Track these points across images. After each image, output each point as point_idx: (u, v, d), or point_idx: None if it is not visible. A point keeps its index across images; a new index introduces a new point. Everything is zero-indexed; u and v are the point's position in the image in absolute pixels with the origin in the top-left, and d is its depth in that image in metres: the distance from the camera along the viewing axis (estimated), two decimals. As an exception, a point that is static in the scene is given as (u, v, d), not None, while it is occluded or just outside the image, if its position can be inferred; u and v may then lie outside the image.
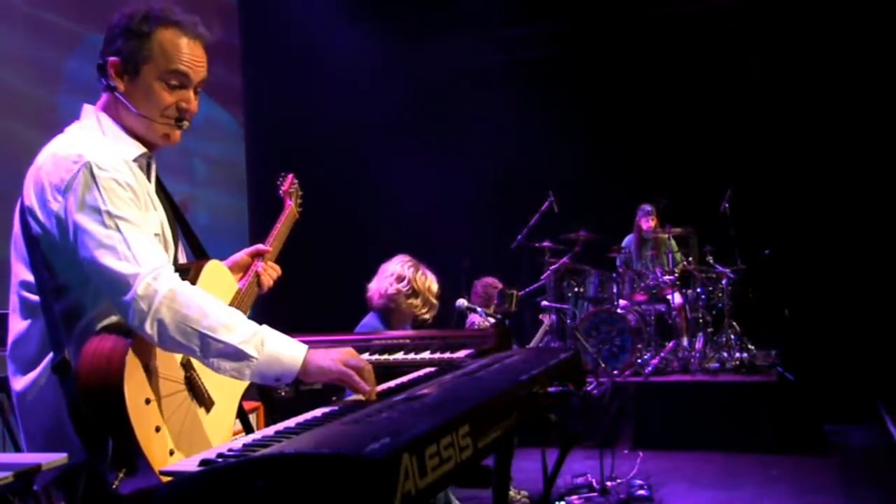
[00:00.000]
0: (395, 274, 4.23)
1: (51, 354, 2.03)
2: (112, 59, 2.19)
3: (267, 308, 3.06)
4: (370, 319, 4.27)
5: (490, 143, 9.32)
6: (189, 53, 2.21)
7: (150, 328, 1.94)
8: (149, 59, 2.18)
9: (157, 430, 1.96)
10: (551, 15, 9.29)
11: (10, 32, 5.91)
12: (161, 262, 2.02)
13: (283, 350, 2.03)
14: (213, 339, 1.97)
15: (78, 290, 2.08)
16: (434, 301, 4.29)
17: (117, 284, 1.98)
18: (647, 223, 8.51)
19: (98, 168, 2.04)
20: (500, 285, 6.55)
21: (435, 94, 9.35)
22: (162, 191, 2.33)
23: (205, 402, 2.17)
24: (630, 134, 9.13)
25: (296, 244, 2.91)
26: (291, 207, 2.93)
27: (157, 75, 2.18)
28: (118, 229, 2.01)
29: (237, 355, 1.99)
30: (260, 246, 2.68)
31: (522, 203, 8.31)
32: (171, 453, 1.98)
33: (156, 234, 2.15)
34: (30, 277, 2.09)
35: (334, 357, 2.07)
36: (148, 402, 1.95)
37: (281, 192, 2.98)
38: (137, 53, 2.18)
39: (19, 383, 2.10)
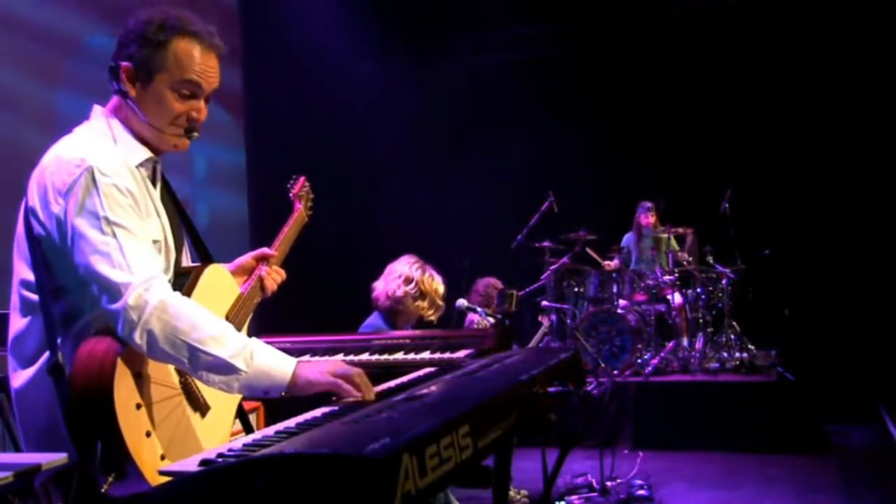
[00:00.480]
0: (402, 276, 4.21)
1: (47, 353, 2.04)
2: (125, 63, 2.19)
3: (271, 308, 3.05)
4: (374, 319, 4.26)
5: (490, 143, 9.32)
6: (203, 64, 2.21)
7: (139, 338, 1.95)
8: (163, 67, 2.18)
9: (148, 435, 1.95)
10: (551, 15, 9.29)
11: (10, 32, 5.92)
12: (154, 273, 2.02)
13: (272, 364, 2.04)
14: (203, 351, 1.98)
15: (76, 293, 2.08)
16: (440, 303, 4.29)
17: (109, 292, 1.98)
18: (647, 219, 8.53)
19: (100, 173, 2.05)
20: (500, 285, 6.55)
21: (435, 95, 9.35)
22: (168, 194, 2.33)
23: (200, 406, 2.17)
24: (630, 134, 9.13)
25: (298, 243, 2.90)
26: (301, 211, 2.90)
27: (170, 84, 2.18)
28: (115, 236, 2.01)
29: (226, 368, 1.99)
30: (265, 249, 2.67)
31: (522, 203, 8.31)
32: (162, 458, 1.97)
33: (155, 241, 2.16)
34: (30, 277, 2.10)
35: (322, 369, 2.08)
36: (139, 406, 1.95)
37: (291, 194, 2.95)
38: (151, 61, 2.18)
39: (18, 380, 2.11)
